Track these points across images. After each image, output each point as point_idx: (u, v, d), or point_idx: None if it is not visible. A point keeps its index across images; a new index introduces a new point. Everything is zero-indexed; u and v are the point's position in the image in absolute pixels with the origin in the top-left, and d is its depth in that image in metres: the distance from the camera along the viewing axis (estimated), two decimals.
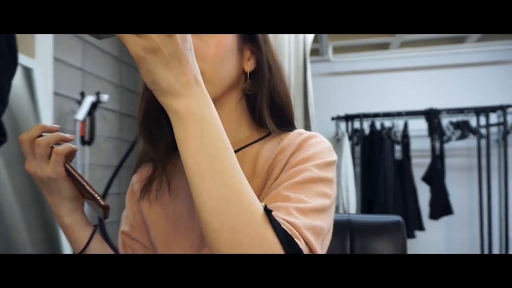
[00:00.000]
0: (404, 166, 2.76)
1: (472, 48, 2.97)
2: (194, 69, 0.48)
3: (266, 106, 0.67)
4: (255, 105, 0.68)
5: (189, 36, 0.48)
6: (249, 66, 0.68)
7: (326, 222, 0.55)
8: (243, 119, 0.70)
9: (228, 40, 0.64)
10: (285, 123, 0.70)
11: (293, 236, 0.48)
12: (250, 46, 0.68)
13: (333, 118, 2.98)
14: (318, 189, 0.57)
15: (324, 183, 0.59)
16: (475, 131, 2.72)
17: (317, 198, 0.56)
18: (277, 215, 0.50)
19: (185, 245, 0.66)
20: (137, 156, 0.75)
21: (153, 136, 0.69)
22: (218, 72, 0.63)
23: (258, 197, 0.60)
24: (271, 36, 0.73)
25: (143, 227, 0.73)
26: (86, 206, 0.71)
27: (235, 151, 0.66)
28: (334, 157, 0.64)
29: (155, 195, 0.71)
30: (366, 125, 2.90)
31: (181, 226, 0.67)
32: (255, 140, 0.69)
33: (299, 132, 0.68)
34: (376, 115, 2.84)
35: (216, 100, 0.63)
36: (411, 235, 2.66)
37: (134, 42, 0.45)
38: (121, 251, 0.75)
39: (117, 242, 0.77)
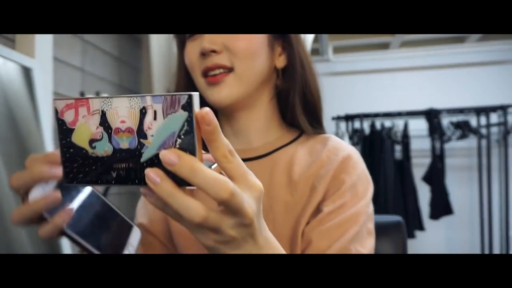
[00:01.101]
0: (404, 166, 2.75)
1: (472, 48, 2.97)
2: (264, 231, 0.42)
3: (299, 103, 0.66)
4: (287, 102, 0.67)
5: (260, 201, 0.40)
6: (280, 62, 0.67)
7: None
8: (274, 119, 0.69)
9: (259, 35, 0.63)
10: (316, 122, 0.69)
11: None
12: (281, 42, 0.67)
13: (333, 118, 2.98)
14: (368, 228, 0.60)
15: (371, 220, 0.61)
16: (475, 131, 2.72)
17: (368, 239, 0.59)
18: None
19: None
20: None
21: None
22: (249, 67, 0.62)
23: (297, 211, 0.61)
24: None
25: (164, 223, 0.68)
26: None
27: (267, 154, 0.66)
28: (372, 186, 0.65)
29: None
30: (366, 125, 2.90)
31: None
32: (287, 142, 0.68)
33: (338, 140, 0.67)
34: (376, 115, 2.84)
35: (248, 98, 0.64)
36: (411, 235, 2.66)
37: (205, 236, 0.37)
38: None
39: None
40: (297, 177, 0.63)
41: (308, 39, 2.12)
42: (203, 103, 0.63)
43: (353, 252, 0.56)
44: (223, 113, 0.68)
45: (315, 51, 3.10)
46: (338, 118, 2.97)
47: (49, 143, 1.44)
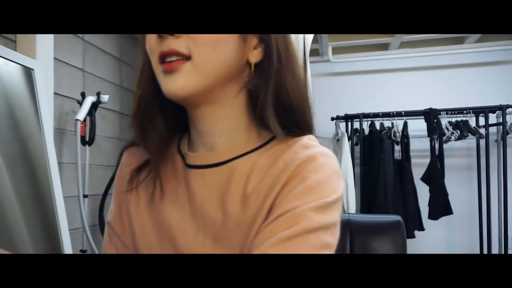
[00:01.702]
0: (404, 166, 2.75)
1: (472, 48, 2.97)
2: None
3: (270, 102, 0.56)
4: (257, 100, 0.57)
5: None
6: (255, 56, 0.57)
7: None
8: (244, 120, 0.59)
9: None
10: (295, 126, 0.59)
11: None
12: (258, 34, 0.57)
13: (332, 118, 2.98)
14: (317, 241, 0.48)
15: (325, 230, 0.49)
16: (474, 132, 2.73)
17: (318, 251, 0.48)
18: None
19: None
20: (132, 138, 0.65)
21: (146, 130, 0.60)
22: (210, 57, 0.53)
23: (247, 229, 0.52)
24: None
25: (126, 223, 0.64)
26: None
27: (227, 161, 0.58)
28: (340, 189, 0.53)
29: (145, 191, 0.62)
30: (365, 125, 2.90)
31: (166, 235, 0.59)
32: (253, 148, 0.58)
33: (304, 144, 0.56)
34: (376, 115, 2.84)
35: (210, 93, 0.55)
36: (411, 235, 2.66)
37: None
38: (107, 243, 0.67)
39: None
40: (250, 190, 0.55)
41: (308, 39, 2.12)
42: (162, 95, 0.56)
43: None
44: (188, 112, 0.60)
45: (314, 51, 3.11)
46: (337, 118, 2.97)
47: (50, 143, 1.44)
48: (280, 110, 0.57)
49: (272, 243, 0.47)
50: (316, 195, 0.50)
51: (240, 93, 0.58)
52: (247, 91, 0.59)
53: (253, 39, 0.57)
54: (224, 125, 0.59)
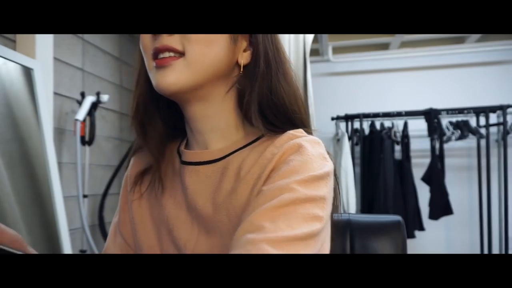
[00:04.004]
0: (404, 166, 2.76)
1: (472, 48, 2.97)
2: None
3: (255, 102, 0.58)
4: (243, 100, 0.60)
5: None
6: (244, 58, 0.60)
7: (314, 249, 0.47)
8: (234, 118, 0.62)
9: None
10: (289, 125, 0.61)
11: None
12: (246, 37, 0.60)
13: (333, 118, 2.98)
14: (305, 212, 0.47)
15: (312, 203, 0.48)
16: (474, 131, 2.72)
17: (303, 223, 0.46)
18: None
19: (167, 251, 0.62)
20: (134, 141, 0.68)
21: (145, 129, 0.63)
22: (202, 54, 0.55)
23: (238, 218, 0.53)
24: None
25: (128, 223, 0.68)
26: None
27: (220, 158, 0.60)
28: (326, 167, 0.52)
29: (147, 189, 0.66)
30: (366, 125, 2.90)
31: (164, 229, 0.63)
32: (243, 145, 0.61)
33: (290, 135, 0.57)
34: (376, 115, 2.84)
35: (200, 89, 0.57)
36: (411, 235, 2.66)
37: None
38: (111, 240, 0.70)
39: None
40: (239, 182, 0.57)
41: (308, 39, 2.12)
42: (153, 91, 0.59)
43: (266, 227, 0.44)
44: (182, 111, 0.62)
45: (315, 51, 3.11)
46: (337, 118, 2.97)
47: (50, 143, 1.44)
48: (272, 110, 0.59)
49: (258, 213, 0.47)
50: (301, 173, 0.50)
51: (229, 92, 0.61)
52: (237, 90, 0.61)
53: (243, 42, 0.60)
54: (214, 122, 0.61)
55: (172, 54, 0.55)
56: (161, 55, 0.55)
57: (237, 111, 0.62)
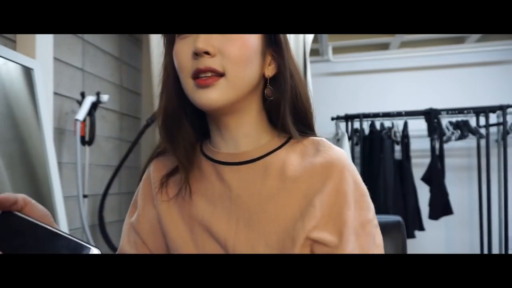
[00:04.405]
0: (404, 166, 2.75)
1: (472, 48, 2.97)
2: None
3: (289, 113, 0.66)
4: (278, 112, 0.67)
5: None
6: (269, 71, 0.67)
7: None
8: (263, 124, 0.69)
9: (254, 42, 0.63)
10: (308, 129, 0.70)
11: None
12: (271, 51, 0.67)
13: (333, 118, 2.98)
14: (379, 241, 0.64)
15: (378, 231, 0.65)
16: (474, 131, 2.72)
17: (379, 234, 0.64)
18: None
19: (203, 247, 0.65)
20: (157, 146, 0.73)
21: (174, 137, 0.68)
22: (241, 74, 0.62)
23: (290, 216, 0.62)
24: None
25: (147, 223, 0.71)
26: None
27: (258, 158, 0.67)
28: (361, 182, 0.67)
29: (174, 192, 0.69)
30: (366, 125, 2.90)
31: (198, 227, 0.66)
32: (278, 146, 0.68)
33: (326, 148, 0.66)
34: (376, 115, 2.83)
35: (237, 104, 0.63)
36: (411, 235, 2.66)
37: None
38: (125, 241, 0.73)
39: (116, 242, 0.76)
40: (289, 182, 0.64)
41: (308, 39, 2.12)
42: (190, 105, 0.65)
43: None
44: (212, 117, 0.68)
45: (315, 51, 3.10)
46: (337, 118, 2.97)
47: (50, 143, 1.44)
48: (297, 118, 0.68)
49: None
50: (367, 208, 0.65)
51: (258, 102, 0.68)
52: (266, 103, 0.69)
53: (268, 56, 0.67)
54: (246, 129, 0.68)
55: (213, 74, 0.60)
56: (203, 75, 0.60)
57: (266, 118, 0.70)
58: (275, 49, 0.66)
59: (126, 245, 0.72)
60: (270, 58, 0.67)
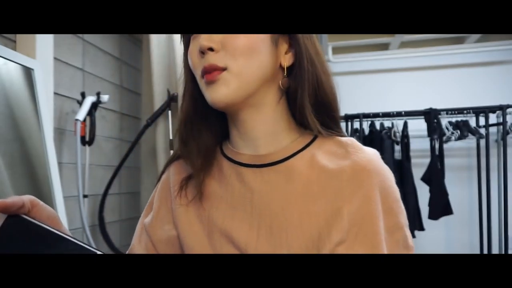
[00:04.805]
0: (404, 166, 2.75)
1: (472, 48, 2.97)
2: None
3: (308, 103, 0.61)
4: (296, 103, 0.62)
5: None
6: (287, 60, 0.62)
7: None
8: (284, 121, 0.64)
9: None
10: (333, 123, 0.65)
11: None
12: (287, 39, 0.62)
13: None
14: (411, 243, 0.62)
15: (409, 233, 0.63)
16: (474, 132, 2.72)
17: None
18: None
19: (221, 251, 0.63)
20: (177, 149, 0.71)
21: (189, 142, 0.66)
22: (246, 65, 0.58)
23: (316, 223, 0.58)
24: None
25: (160, 227, 0.69)
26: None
27: (282, 160, 0.63)
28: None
29: (193, 195, 0.67)
30: (365, 125, 2.90)
31: (217, 231, 0.63)
32: (302, 147, 0.63)
33: (357, 150, 0.61)
34: (376, 115, 2.83)
35: (250, 98, 0.60)
36: (411, 235, 2.65)
37: None
38: (136, 241, 0.71)
39: (117, 242, 0.76)
40: (316, 187, 0.60)
41: None
42: (206, 105, 0.63)
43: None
44: (229, 115, 0.66)
45: None
46: None
47: (50, 143, 1.44)
48: (319, 110, 0.63)
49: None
50: (403, 217, 0.62)
51: (277, 96, 0.63)
52: (285, 94, 0.64)
53: (284, 44, 0.62)
54: (265, 127, 0.64)
55: (216, 69, 0.58)
56: (209, 72, 0.59)
57: (287, 114, 0.65)
58: (290, 35, 0.62)
59: (137, 245, 0.71)
60: (286, 46, 0.63)
